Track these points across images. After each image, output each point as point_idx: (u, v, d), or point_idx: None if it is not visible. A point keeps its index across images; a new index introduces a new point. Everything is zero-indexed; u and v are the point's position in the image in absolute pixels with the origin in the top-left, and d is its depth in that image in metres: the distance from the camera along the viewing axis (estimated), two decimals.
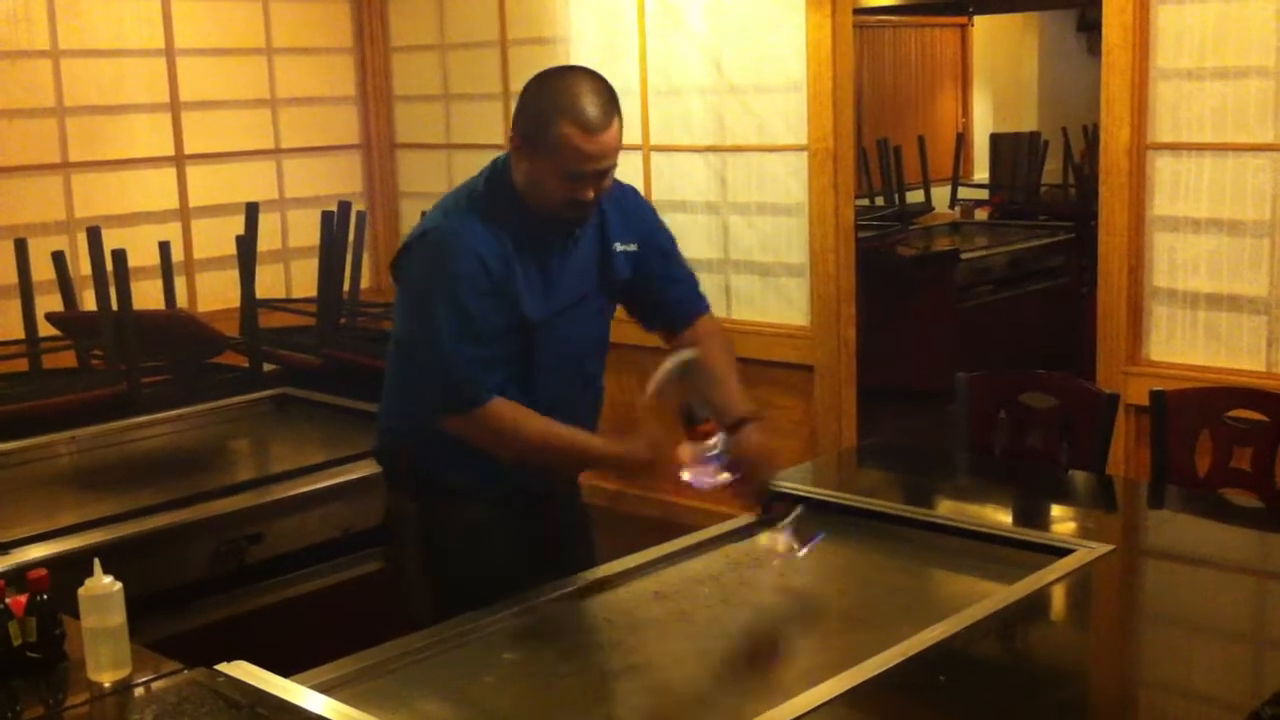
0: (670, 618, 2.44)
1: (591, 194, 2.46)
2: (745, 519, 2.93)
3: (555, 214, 2.49)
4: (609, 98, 2.45)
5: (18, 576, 2.28)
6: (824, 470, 3.82)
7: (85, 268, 4.74)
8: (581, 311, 2.61)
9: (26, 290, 4.56)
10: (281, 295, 5.90)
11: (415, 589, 2.66)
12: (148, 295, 4.83)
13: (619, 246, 2.64)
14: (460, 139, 6.13)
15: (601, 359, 2.73)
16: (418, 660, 2.26)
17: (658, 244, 2.73)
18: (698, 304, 2.81)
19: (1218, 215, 4.08)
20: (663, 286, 2.75)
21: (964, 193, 8.98)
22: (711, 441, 2.52)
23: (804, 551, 2.65)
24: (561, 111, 2.39)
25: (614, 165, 2.48)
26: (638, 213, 2.72)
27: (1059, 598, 2.50)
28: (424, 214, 2.65)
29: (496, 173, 2.55)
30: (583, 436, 2.54)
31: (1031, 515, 3.10)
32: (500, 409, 2.46)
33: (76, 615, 2.12)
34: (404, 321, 2.57)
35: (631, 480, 2.45)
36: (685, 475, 2.49)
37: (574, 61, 5.56)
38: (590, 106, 2.40)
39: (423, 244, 2.51)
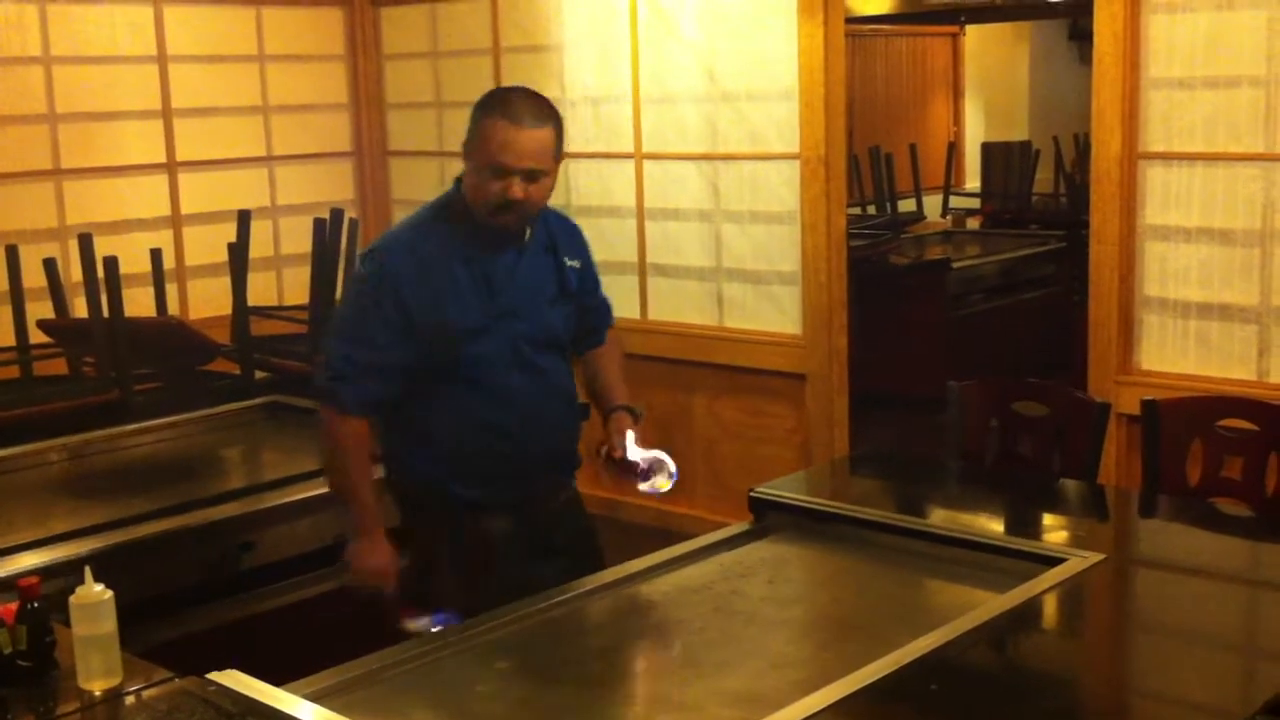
0: (663, 626, 2.44)
1: (520, 194, 2.59)
2: (738, 527, 2.94)
3: (492, 218, 2.64)
4: (543, 105, 2.67)
5: (9, 584, 2.27)
6: (816, 479, 3.83)
7: (77, 275, 4.74)
8: (533, 314, 2.74)
9: (18, 297, 4.56)
10: (274, 303, 5.89)
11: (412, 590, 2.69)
12: (139, 302, 4.83)
13: (568, 261, 2.82)
14: (453, 147, 6.09)
15: (561, 357, 2.84)
16: (410, 669, 2.26)
17: (591, 271, 2.93)
18: (608, 321, 3.04)
19: (1209, 224, 4.09)
20: (589, 307, 2.94)
21: (956, 201, 9.00)
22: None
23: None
24: (491, 109, 2.63)
25: (545, 172, 2.63)
26: (578, 239, 2.90)
27: (1051, 607, 2.50)
28: None
29: (456, 187, 2.72)
30: (364, 493, 2.69)
31: (1023, 524, 3.10)
32: (352, 425, 2.65)
33: (68, 623, 2.11)
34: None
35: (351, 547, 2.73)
36: (641, 487, 2.69)
37: (567, 68, 5.57)
38: (520, 107, 2.62)
39: (366, 256, 2.72)
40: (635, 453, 2.68)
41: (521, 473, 2.72)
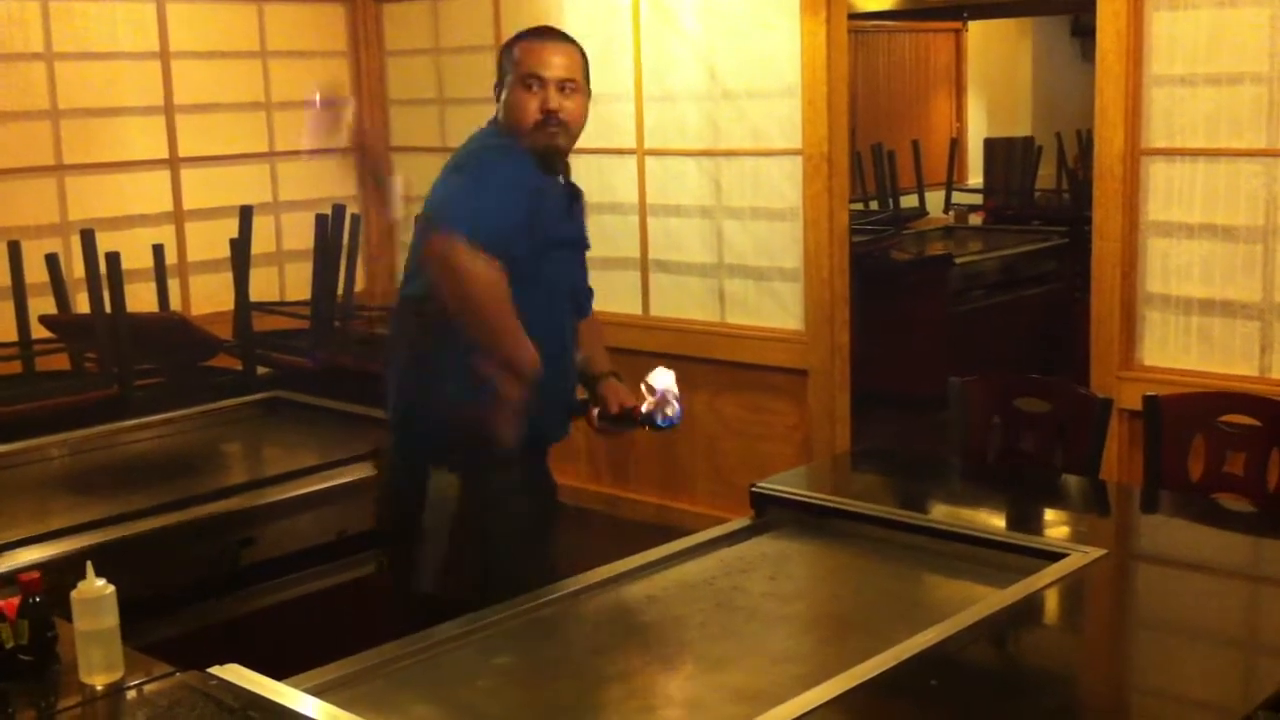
0: (663, 622, 2.44)
1: (556, 104, 2.68)
2: (739, 523, 2.94)
3: (535, 136, 2.69)
4: (565, 35, 2.81)
5: (10, 579, 2.28)
6: (818, 475, 3.83)
7: (79, 270, 4.74)
8: (578, 255, 2.86)
9: (20, 293, 4.56)
10: (275, 298, 5.90)
11: (456, 561, 2.69)
12: (141, 298, 4.83)
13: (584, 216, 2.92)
14: (455, 143, 6.08)
15: (574, 313, 2.88)
16: (410, 664, 2.26)
17: (587, 240, 2.95)
18: (590, 299, 3.03)
19: (1211, 221, 4.08)
20: (583, 277, 2.95)
21: (958, 197, 9.00)
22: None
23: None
24: (517, 37, 2.80)
25: (577, 88, 2.73)
26: (583, 204, 2.95)
27: (1052, 602, 2.50)
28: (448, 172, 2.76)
29: (487, 139, 2.77)
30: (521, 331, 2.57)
31: (1025, 519, 3.10)
32: (485, 261, 2.48)
33: (69, 618, 2.11)
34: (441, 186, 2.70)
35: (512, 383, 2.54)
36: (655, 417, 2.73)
37: None
38: (543, 30, 2.84)
39: (478, 154, 2.72)
40: (662, 379, 2.71)
41: (554, 410, 2.76)
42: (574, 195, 2.83)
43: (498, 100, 2.78)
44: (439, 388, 2.64)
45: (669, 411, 2.73)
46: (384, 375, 2.85)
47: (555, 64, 2.70)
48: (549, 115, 2.68)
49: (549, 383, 2.63)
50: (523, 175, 2.63)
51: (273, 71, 6.12)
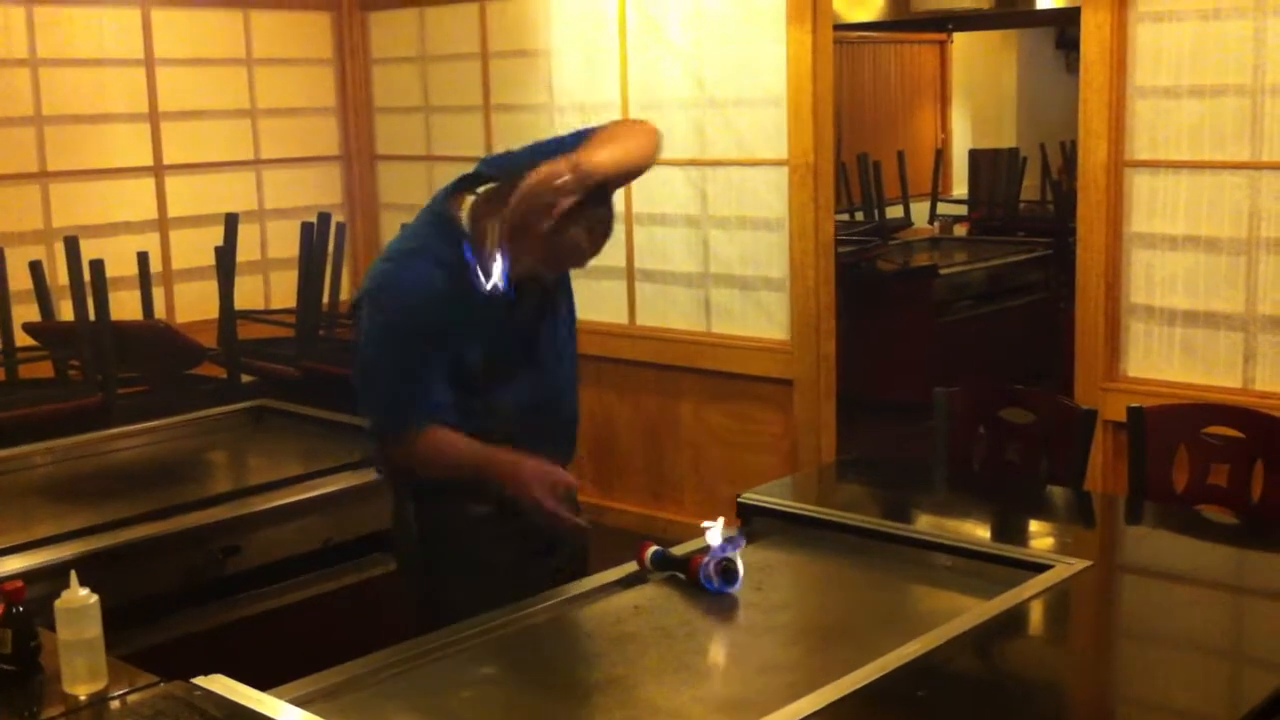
0: (650, 632, 2.43)
1: None
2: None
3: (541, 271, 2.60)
4: None
5: None
6: (803, 484, 3.82)
7: (63, 278, 4.73)
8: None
9: (3, 300, 4.54)
10: (260, 306, 5.89)
11: (412, 589, 2.69)
12: (125, 306, 4.82)
13: None
14: (441, 151, 6.12)
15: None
16: (396, 674, 2.25)
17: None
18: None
19: (1195, 232, 4.10)
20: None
21: (943, 208, 9.02)
22: None
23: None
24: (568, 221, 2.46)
25: None
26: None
27: (1037, 613, 2.51)
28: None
29: (435, 219, 2.64)
30: (480, 454, 2.57)
31: (1010, 530, 3.10)
32: (430, 435, 2.55)
33: (52, 627, 2.10)
34: (363, 345, 2.62)
35: (512, 483, 2.54)
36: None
37: (555, 74, 5.57)
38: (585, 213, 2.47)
39: (384, 288, 2.60)
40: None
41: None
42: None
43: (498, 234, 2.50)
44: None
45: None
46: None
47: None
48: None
49: (551, 442, 2.65)
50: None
51: (258, 79, 6.11)
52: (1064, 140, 8.35)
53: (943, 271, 7.30)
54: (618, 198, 5.65)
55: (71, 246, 4.45)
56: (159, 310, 5.29)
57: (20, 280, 4.71)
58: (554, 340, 2.70)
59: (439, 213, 2.61)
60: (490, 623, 2.42)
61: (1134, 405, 3.35)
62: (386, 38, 6.35)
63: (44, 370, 4.58)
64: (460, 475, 2.59)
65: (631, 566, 2.66)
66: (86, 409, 3.87)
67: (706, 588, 2.54)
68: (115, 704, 2.07)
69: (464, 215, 2.56)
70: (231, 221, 4.82)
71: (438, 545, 2.66)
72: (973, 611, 2.40)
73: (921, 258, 7.85)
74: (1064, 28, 9.26)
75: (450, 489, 2.62)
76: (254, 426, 4.02)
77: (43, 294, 4.73)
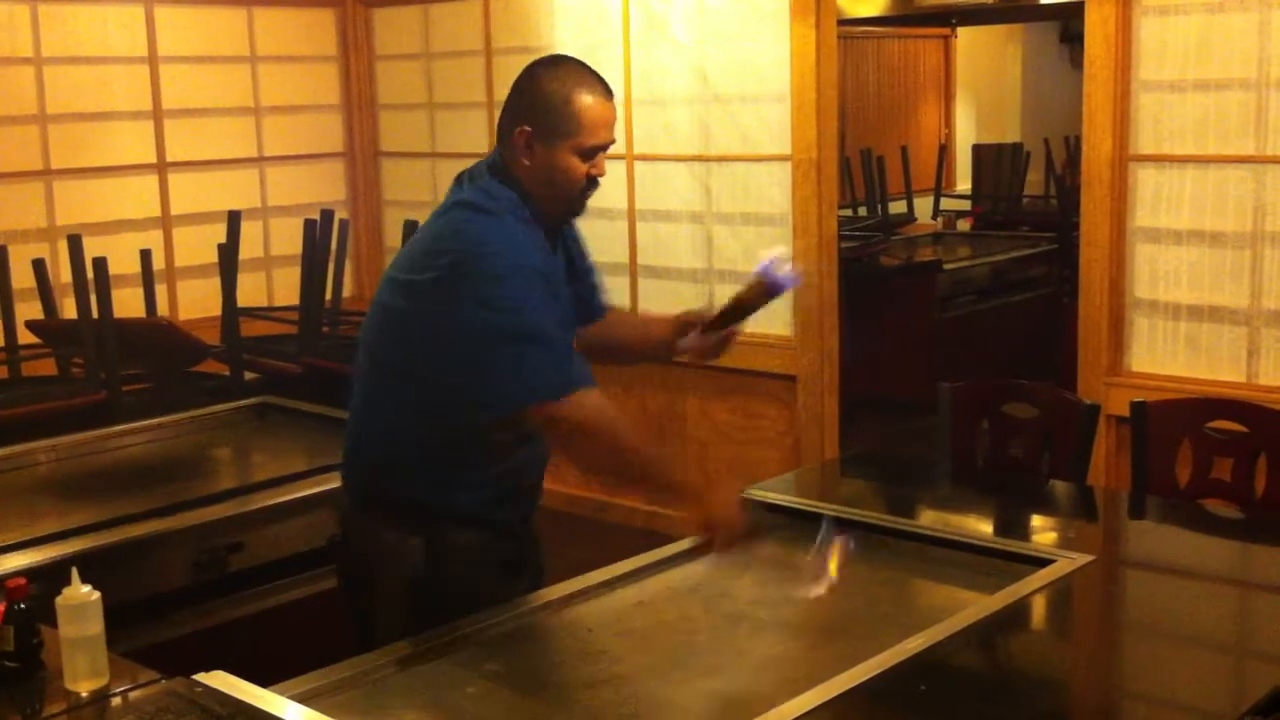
0: (653, 627, 2.43)
1: (603, 170, 2.49)
2: None
3: (574, 205, 2.51)
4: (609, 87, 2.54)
5: None
6: (806, 480, 3.82)
7: (66, 275, 4.73)
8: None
9: (6, 298, 4.54)
10: (263, 303, 5.89)
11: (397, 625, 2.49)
12: (129, 303, 4.82)
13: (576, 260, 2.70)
14: (444, 148, 6.12)
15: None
16: (398, 670, 2.25)
17: (575, 235, 2.72)
18: (605, 294, 2.83)
19: (1199, 227, 4.09)
20: (584, 276, 2.74)
21: (946, 203, 9.01)
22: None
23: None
24: (578, 85, 2.44)
25: None
26: (575, 231, 2.74)
27: (1040, 608, 2.51)
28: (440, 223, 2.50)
29: (487, 187, 2.47)
30: (661, 456, 2.56)
31: (1013, 525, 3.10)
32: (599, 398, 2.38)
33: (54, 624, 2.10)
34: (473, 313, 2.34)
35: (674, 504, 2.52)
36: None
37: None
38: (597, 79, 2.49)
39: (487, 242, 2.38)
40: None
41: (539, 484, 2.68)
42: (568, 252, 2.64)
43: (523, 147, 2.45)
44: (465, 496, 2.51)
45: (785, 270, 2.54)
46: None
47: (613, 128, 2.48)
48: (595, 183, 2.48)
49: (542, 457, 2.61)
50: (553, 268, 2.47)
51: (262, 76, 6.11)
52: (1068, 135, 8.34)
53: (946, 267, 7.29)
54: (620, 195, 5.66)
55: (75, 244, 4.46)
56: (162, 308, 5.30)
57: (23, 278, 4.71)
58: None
59: (502, 171, 2.48)
60: (492, 619, 2.42)
61: (1137, 400, 3.35)
62: (390, 34, 6.34)
63: (47, 368, 4.58)
64: (623, 470, 2.47)
65: (637, 561, 2.66)
66: (89, 406, 3.88)
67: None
68: (117, 701, 2.07)
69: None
70: (234, 219, 4.82)
71: (441, 576, 2.49)
72: (975, 606, 2.40)
73: (925, 253, 7.84)
74: (1068, 22, 9.25)
75: (462, 515, 2.50)
76: (257, 423, 4.02)
77: (46, 292, 4.73)
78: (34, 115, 5.41)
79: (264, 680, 2.11)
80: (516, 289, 2.35)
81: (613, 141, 2.50)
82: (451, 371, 2.38)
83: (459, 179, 2.55)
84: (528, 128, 2.44)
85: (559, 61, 2.53)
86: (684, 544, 2.75)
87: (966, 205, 9.09)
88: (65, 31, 5.47)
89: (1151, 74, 4.13)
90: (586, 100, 2.43)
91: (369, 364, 2.55)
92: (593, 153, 2.46)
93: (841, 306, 5.06)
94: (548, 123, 2.43)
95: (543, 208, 2.48)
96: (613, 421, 2.40)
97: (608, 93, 2.49)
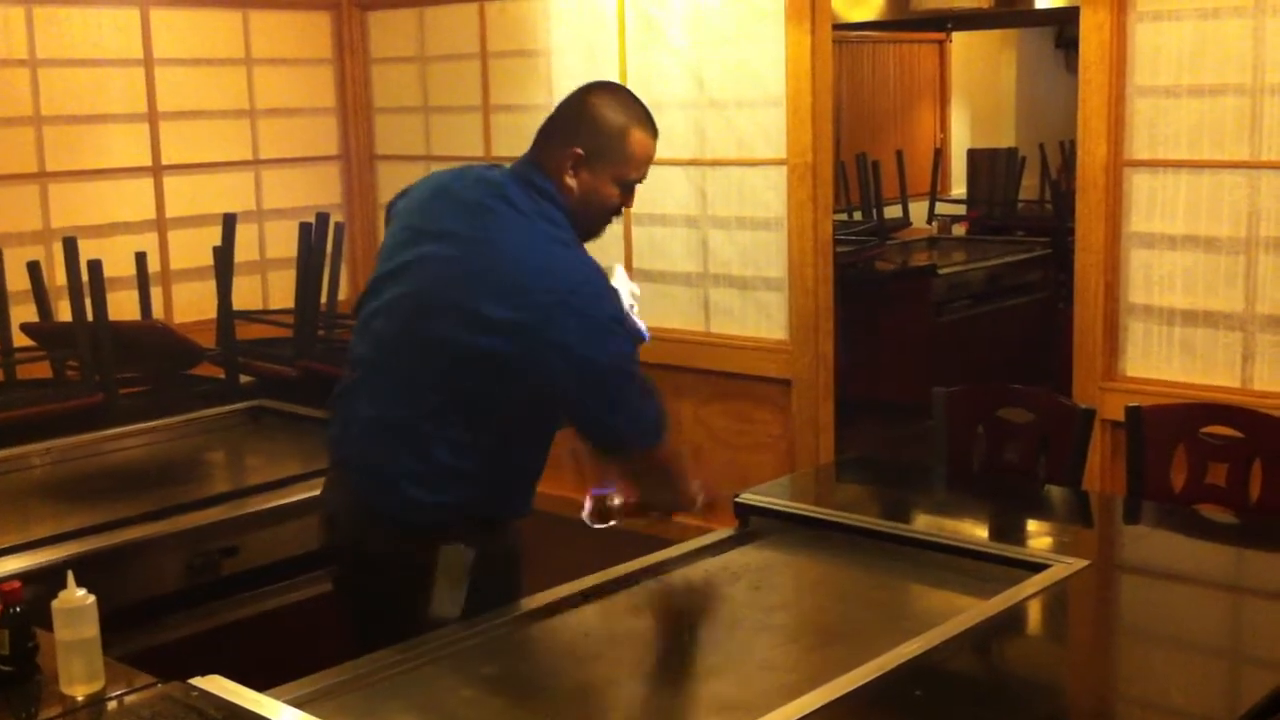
0: (649, 632, 2.44)
1: (631, 202, 2.60)
2: (723, 533, 2.94)
3: (598, 230, 2.58)
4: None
5: None
6: (802, 484, 3.82)
7: (61, 278, 4.71)
8: None
9: (1, 300, 4.53)
10: (259, 307, 5.87)
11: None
12: (124, 306, 4.80)
13: None
14: (440, 151, 6.12)
15: None
16: (395, 674, 2.25)
17: None
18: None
19: (1194, 232, 4.10)
20: None
21: (942, 208, 9.01)
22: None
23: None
24: (635, 120, 2.53)
25: None
26: None
27: (1035, 613, 2.51)
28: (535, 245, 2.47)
29: (542, 199, 2.50)
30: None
31: (1008, 530, 3.10)
32: (669, 444, 2.54)
33: (50, 628, 2.10)
34: (599, 353, 2.39)
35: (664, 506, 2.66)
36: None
37: (554, 76, 5.57)
38: (649, 116, 2.58)
39: (589, 280, 2.45)
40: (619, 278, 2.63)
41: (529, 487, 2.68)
42: None
43: (570, 167, 2.49)
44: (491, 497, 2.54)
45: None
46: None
47: (649, 163, 2.58)
48: (620, 210, 2.59)
49: (533, 465, 2.62)
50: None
51: (257, 79, 6.11)
52: (1063, 140, 8.35)
53: (941, 271, 7.29)
54: None
55: (70, 247, 4.44)
56: (157, 311, 5.29)
57: (18, 281, 4.70)
58: None
59: (550, 194, 2.50)
60: (488, 623, 2.42)
61: (1132, 404, 3.36)
62: (386, 37, 6.34)
63: (42, 371, 4.57)
64: (676, 486, 2.60)
65: (633, 565, 2.67)
66: (84, 409, 3.87)
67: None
68: (113, 705, 2.06)
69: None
70: (230, 222, 4.81)
71: (490, 579, 2.52)
72: (971, 611, 2.40)
73: (920, 257, 7.84)
74: (1063, 27, 9.25)
75: (511, 521, 2.60)
76: (252, 426, 4.01)
77: (41, 294, 4.72)
78: (29, 117, 5.41)
79: (260, 684, 2.11)
80: (621, 331, 2.43)
81: (644, 177, 2.58)
82: (567, 408, 2.45)
83: (502, 186, 2.50)
84: (580, 150, 2.48)
85: (618, 91, 2.61)
86: (682, 547, 2.76)
87: (962, 210, 9.09)
88: (60, 34, 5.47)
89: (1146, 79, 4.13)
90: (641, 136, 2.52)
91: (428, 388, 2.47)
92: (631, 185, 2.54)
93: (836, 311, 5.06)
94: (601, 149, 2.49)
95: (574, 226, 2.52)
96: (675, 458, 2.60)
97: (656, 131, 2.57)
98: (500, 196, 2.48)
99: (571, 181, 2.49)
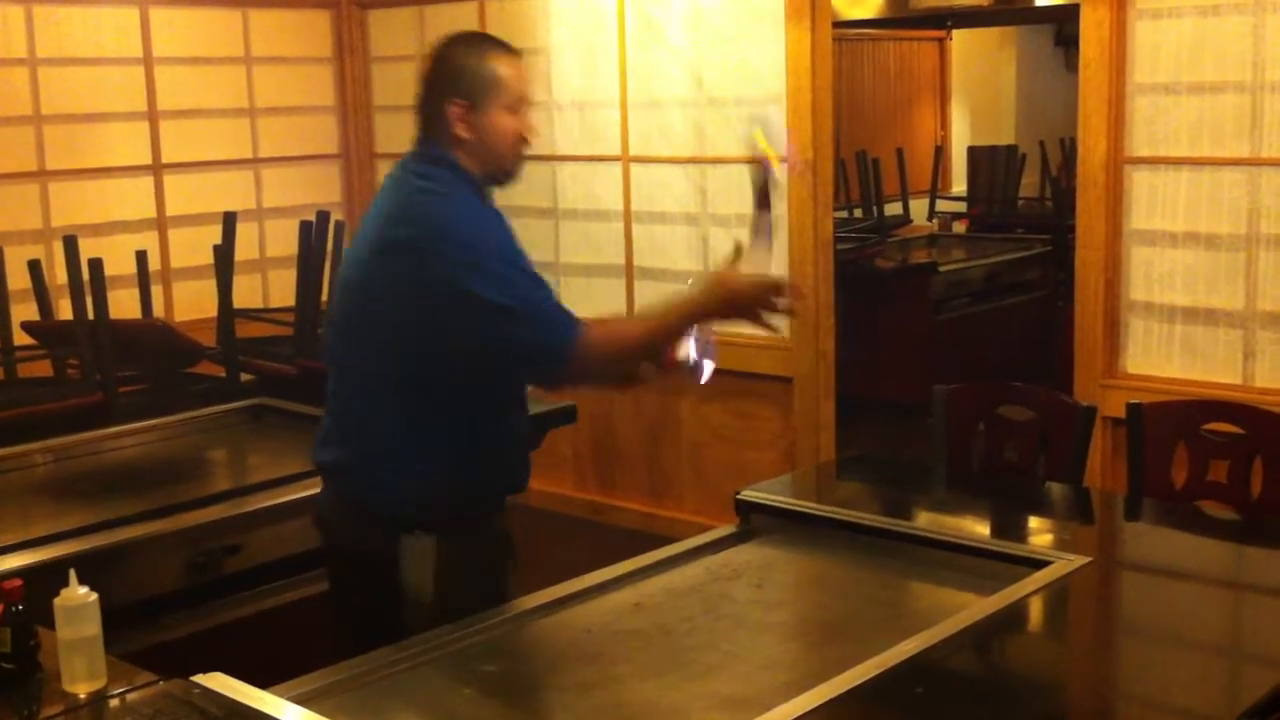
0: (650, 629, 2.44)
1: (532, 125, 2.62)
2: (725, 530, 2.94)
3: (517, 162, 2.60)
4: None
5: None
6: (802, 482, 3.83)
7: (61, 277, 4.72)
8: None
9: (2, 299, 4.54)
10: (259, 305, 5.88)
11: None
12: (124, 305, 4.81)
13: None
14: None
15: None
16: (396, 672, 2.26)
17: None
18: None
19: (1194, 229, 4.10)
20: None
21: (942, 205, 9.02)
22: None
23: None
24: (492, 51, 2.61)
25: None
26: None
27: (1036, 610, 2.51)
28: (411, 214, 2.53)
29: (436, 167, 2.55)
30: (663, 307, 2.61)
31: (1009, 527, 3.10)
32: (596, 326, 2.49)
33: (52, 626, 2.10)
34: (489, 290, 2.39)
35: (720, 315, 2.70)
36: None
37: (555, 72, 5.57)
38: (499, 41, 2.66)
39: (457, 219, 2.48)
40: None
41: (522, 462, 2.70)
42: None
43: (460, 121, 2.54)
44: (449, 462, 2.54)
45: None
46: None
47: (528, 81, 2.64)
48: (529, 137, 2.61)
49: (518, 431, 2.63)
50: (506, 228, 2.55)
51: (257, 77, 6.11)
52: (1063, 137, 8.35)
53: (941, 269, 7.30)
54: (616, 197, 5.66)
55: (70, 245, 4.45)
56: (158, 309, 5.29)
57: (19, 279, 4.71)
58: None
59: (437, 157, 2.57)
60: (490, 620, 2.42)
61: (1133, 402, 3.36)
62: (385, 36, 6.34)
63: (43, 369, 4.58)
64: (658, 345, 2.55)
65: (634, 563, 2.67)
66: (85, 408, 3.87)
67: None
68: (115, 702, 2.07)
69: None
70: (230, 220, 4.82)
71: (457, 573, 2.53)
72: (972, 608, 2.40)
73: (920, 255, 7.85)
74: (1063, 25, 9.26)
75: (480, 505, 2.58)
76: (252, 425, 4.02)
77: (41, 293, 4.72)
78: (29, 116, 5.41)
79: (261, 682, 2.11)
80: (509, 263, 2.45)
81: (532, 94, 2.64)
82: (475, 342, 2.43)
83: (395, 168, 2.62)
84: (459, 100, 2.55)
85: (461, 35, 2.71)
86: (683, 545, 2.76)
87: (962, 207, 9.10)
88: (60, 33, 5.46)
89: (1146, 77, 4.13)
90: (504, 60, 2.59)
91: (374, 376, 2.54)
92: (521, 108, 2.59)
93: (837, 309, 5.06)
94: (476, 89, 2.55)
95: (480, 174, 2.57)
96: (619, 337, 2.55)
97: (514, 50, 2.64)
98: (389, 177, 2.62)
99: (464, 133, 2.54)
